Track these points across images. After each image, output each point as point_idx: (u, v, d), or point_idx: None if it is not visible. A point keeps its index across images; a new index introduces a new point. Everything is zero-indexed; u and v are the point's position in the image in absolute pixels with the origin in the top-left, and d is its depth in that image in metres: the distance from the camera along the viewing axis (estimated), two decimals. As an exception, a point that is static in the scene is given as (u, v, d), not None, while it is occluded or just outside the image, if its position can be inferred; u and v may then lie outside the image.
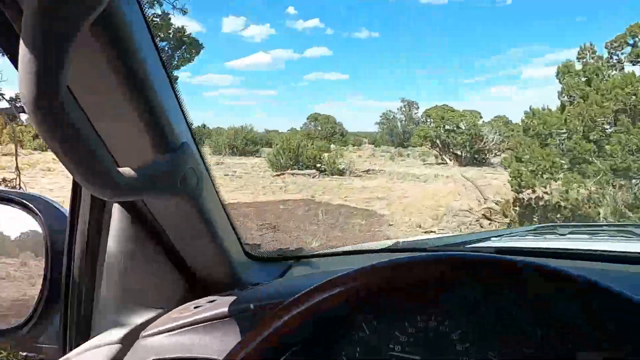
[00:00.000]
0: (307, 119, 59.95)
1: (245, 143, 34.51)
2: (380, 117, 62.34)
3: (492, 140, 25.77)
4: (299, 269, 1.20)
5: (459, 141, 26.03)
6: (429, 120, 28.21)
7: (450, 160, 27.63)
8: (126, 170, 0.58)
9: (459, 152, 27.62)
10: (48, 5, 0.43)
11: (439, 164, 28.57)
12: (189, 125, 0.82)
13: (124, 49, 0.60)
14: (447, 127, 27.74)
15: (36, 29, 0.43)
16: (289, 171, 18.27)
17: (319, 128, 58.37)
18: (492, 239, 1.33)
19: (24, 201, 1.09)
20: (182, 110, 0.79)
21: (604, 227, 1.62)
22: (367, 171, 20.19)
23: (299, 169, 18.60)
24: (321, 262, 1.25)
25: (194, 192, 0.79)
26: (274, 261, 1.24)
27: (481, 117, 26.57)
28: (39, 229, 1.06)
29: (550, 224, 2.28)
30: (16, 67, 0.46)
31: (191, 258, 0.99)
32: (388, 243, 1.41)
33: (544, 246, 1.24)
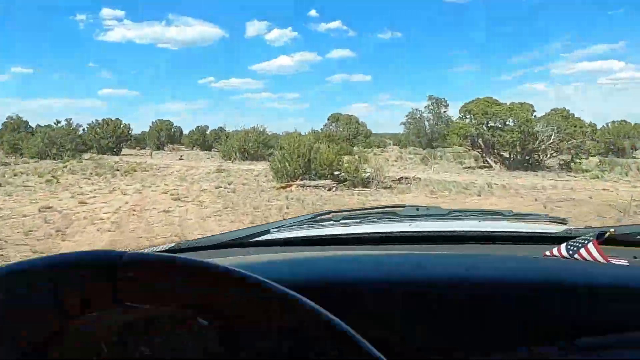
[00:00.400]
0: (328, 119, 55.53)
1: (257, 146, 30.38)
2: (407, 116, 57.29)
3: (550, 139, 20.99)
4: None
5: (507, 140, 21.29)
6: (468, 116, 23.51)
7: (496, 163, 22.89)
8: None
9: (506, 153, 22.86)
10: None
11: (482, 167, 23.85)
12: None
13: None
14: (491, 123, 23.02)
15: None
16: (297, 182, 13.94)
17: (341, 129, 53.98)
18: (272, 230, 1.28)
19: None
20: None
21: (373, 211, 1.52)
22: (399, 180, 15.68)
23: (310, 179, 14.25)
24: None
25: None
26: None
27: (534, 111, 21.77)
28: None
29: (327, 210, 1.89)
30: None
31: None
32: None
33: (318, 234, 1.28)
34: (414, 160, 30.30)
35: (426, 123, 56.09)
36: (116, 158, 30.65)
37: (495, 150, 22.92)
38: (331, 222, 1.40)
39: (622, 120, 34.15)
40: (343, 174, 14.16)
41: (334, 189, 13.73)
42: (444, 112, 54.70)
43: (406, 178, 16.70)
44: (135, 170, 21.35)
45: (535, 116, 22.08)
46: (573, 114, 21.52)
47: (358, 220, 1.40)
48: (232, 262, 0.93)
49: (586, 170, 21.01)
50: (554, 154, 22.36)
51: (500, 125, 22.81)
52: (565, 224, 1.46)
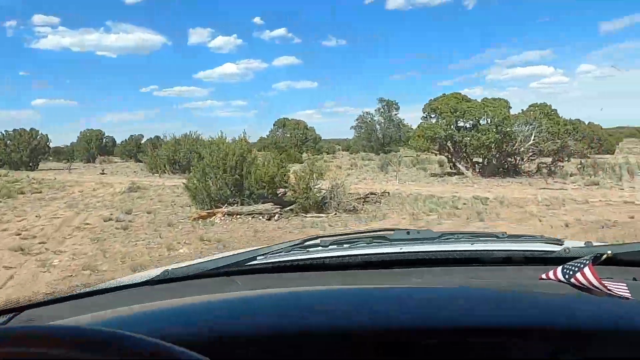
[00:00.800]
0: (274, 125, 51.21)
1: (188, 157, 25.48)
2: (357, 120, 53.94)
3: (530, 140, 17.79)
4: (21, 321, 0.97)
5: (483, 142, 17.89)
6: (433, 115, 19.97)
7: (468, 169, 19.48)
8: None
9: (479, 157, 19.49)
10: None
11: (450, 173, 20.42)
12: None
13: None
14: (461, 123, 19.58)
15: None
16: (223, 209, 9.52)
17: (288, 135, 49.83)
18: (258, 257, 1.21)
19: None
20: None
21: (362, 235, 1.39)
22: (366, 198, 11.63)
23: (244, 202, 9.89)
24: (52, 310, 1.00)
25: None
26: None
27: (510, 107, 18.47)
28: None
29: (314, 235, 1.46)
30: None
31: None
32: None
33: (304, 259, 1.24)
34: (371, 167, 26.53)
35: (377, 127, 53.02)
36: (31, 174, 24.96)
37: (466, 154, 19.51)
38: (319, 247, 1.29)
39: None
40: (291, 192, 9.93)
41: (276, 215, 9.47)
42: (395, 115, 51.89)
43: (373, 194, 12.70)
44: (22, 193, 16.07)
45: (513, 113, 18.81)
46: (555, 110, 18.45)
47: (347, 246, 1.29)
48: (206, 299, 0.95)
49: (571, 175, 17.97)
50: (532, 157, 19.21)
51: (471, 126, 19.41)
52: (562, 244, 1.30)
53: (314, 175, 9.85)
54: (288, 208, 9.77)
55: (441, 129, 18.83)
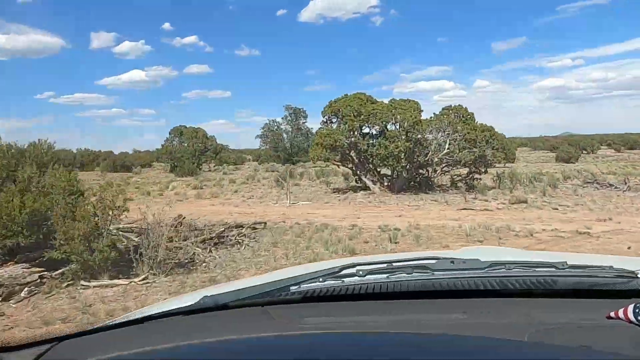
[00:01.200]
0: (170, 133, 45.51)
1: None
2: (263, 128, 49.77)
3: (446, 149, 14.85)
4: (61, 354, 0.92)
5: (391, 151, 14.65)
6: (335, 120, 16.47)
7: (375, 184, 16.17)
8: None
9: (387, 169, 16.27)
10: None
11: (355, 188, 17.06)
12: None
13: None
14: (366, 129, 16.25)
15: None
16: None
17: (185, 144, 44.39)
18: (292, 287, 1.13)
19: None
20: None
21: (402, 264, 1.22)
22: (221, 238, 7.53)
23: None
24: (90, 341, 0.97)
25: None
26: (26, 347, 0.93)
27: (421, 110, 15.44)
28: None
29: (350, 263, 1.22)
30: None
31: None
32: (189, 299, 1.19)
33: (340, 286, 1.14)
34: (269, 180, 22.55)
35: (284, 135, 49.34)
36: None
37: (373, 166, 16.20)
38: (356, 277, 1.18)
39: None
40: (64, 240, 5.53)
41: (25, 289, 5.06)
42: (303, 123, 48.56)
43: (240, 227, 8.64)
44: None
45: (425, 117, 15.78)
46: (472, 113, 15.69)
47: (385, 276, 1.18)
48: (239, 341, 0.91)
49: (490, 189, 15.34)
50: (446, 169, 16.35)
51: (378, 132, 16.15)
52: (637, 276, 1.10)
53: (113, 206, 5.57)
54: (58, 272, 5.38)
55: (342, 135, 15.31)
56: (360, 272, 1.17)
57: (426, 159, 15.30)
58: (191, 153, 42.42)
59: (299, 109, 47.60)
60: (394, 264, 1.22)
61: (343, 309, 1.09)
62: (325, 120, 16.91)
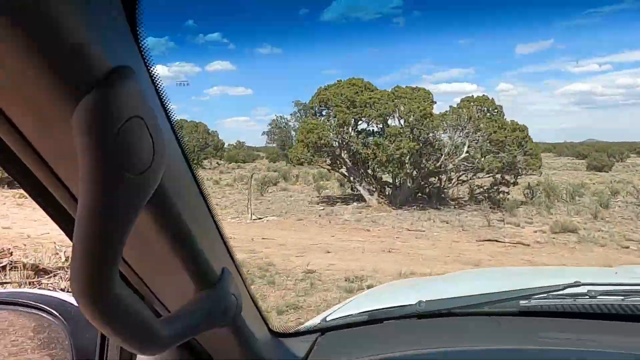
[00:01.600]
0: (170, 127, 42.77)
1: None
2: (270, 125, 46.48)
3: (464, 152, 11.15)
4: (325, 347, 1.04)
5: (392, 153, 11.06)
6: (324, 112, 12.96)
7: (372, 194, 12.61)
8: (167, 320, 0.50)
9: (388, 176, 12.68)
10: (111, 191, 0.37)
11: (351, 197, 13.52)
12: (225, 241, 0.67)
13: (164, 208, 0.49)
14: (362, 123, 12.67)
15: (92, 224, 0.37)
16: None
17: (186, 139, 41.28)
18: (521, 301, 1.13)
19: (43, 305, 0.93)
20: (218, 227, 0.63)
21: (633, 287, 1.17)
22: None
23: None
24: (348, 335, 1.11)
25: (235, 319, 0.67)
26: (296, 335, 1.08)
27: (433, 102, 11.79)
28: (64, 339, 0.91)
29: (574, 282, 1.18)
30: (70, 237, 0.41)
31: (215, 348, 0.82)
32: (411, 291, 1.30)
33: (576, 304, 1.12)
34: (257, 183, 19.07)
35: (293, 133, 45.94)
36: None
37: (371, 171, 12.61)
38: (587, 297, 1.15)
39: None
40: None
41: None
42: (313, 120, 45.13)
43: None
44: None
45: (440, 112, 12.10)
46: (499, 107, 11.90)
47: (620, 298, 1.13)
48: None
49: (519, 205, 11.61)
50: (463, 177, 12.63)
51: (378, 129, 12.55)
52: None
53: None
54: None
55: (330, 131, 11.75)
56: (591, 293, 1.15)
57: (438, 164, 11.59)
58: (189, 149, 39.49)
59: (308, 105, 44.21)
60: (625, 286, 1.19)
61: (577, 327, 1.07)
62: (314, 111, 13.38)
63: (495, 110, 11.63)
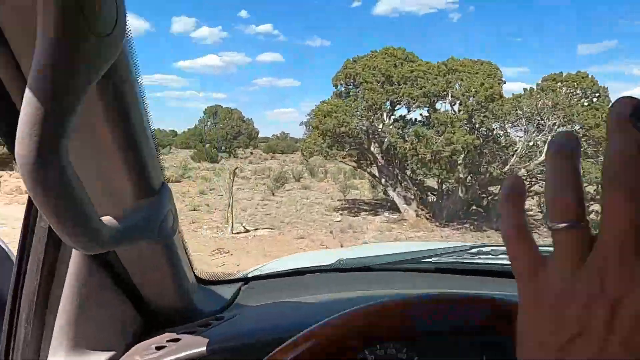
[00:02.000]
0: (204, 113, 40.59)
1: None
2: (308, 115, 43.58)
3: (543, 154, 7.92)
4: (249, 293, 1.10)
5: (438, 150, 7.73)
6: (351, 92, 9.77)
7: (410, 203, 9.33)
8: (108, 220, 0.50)
9: (433, 180, 9.34)
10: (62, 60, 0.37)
11: (381, 206, 10.28)
12: (159, 162, 0.68)
13: (118, 96, 0.51)
14: (401, 108, 9.37)
15: (47, 84, 0.37)
16: None
17: (221, 125, 39.11)
18: (432, 258, 1.24)
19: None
20: (155, 147, 0.66)
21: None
22: None
23: None
24: (272, 284, 1.17)
25: (171, 235, 0.68)
26: (222, 283, 1.12)
27: (502, 81, 8.35)
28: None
29: (482, 243, 1.47)
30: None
31: (147, 290, 0.85)
32: (332, 256, 1.34)
33: (484, 263, 1.24)
34: (287, 179, 16.12)
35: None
36: None
37: (409, 173, 9.32)
38: (490, 255, 1.25)
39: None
40: None
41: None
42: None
43: None
44: None
45: (512, 94, 8.62)
46: (605, 88, 8.21)
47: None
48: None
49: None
50: (539, 188, 9.07)
51: (422, 116, 9.20)
52: None
53: None
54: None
55: (353, 115, 8.51)
56: (495, 252, 1.21)
57: (504, 169, 8.12)
58: (222, 136, 37.20)
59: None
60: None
61: (475, 282, 1.12)
62: (336, 90, 10.17)
63: (597, 95, 7.95)
